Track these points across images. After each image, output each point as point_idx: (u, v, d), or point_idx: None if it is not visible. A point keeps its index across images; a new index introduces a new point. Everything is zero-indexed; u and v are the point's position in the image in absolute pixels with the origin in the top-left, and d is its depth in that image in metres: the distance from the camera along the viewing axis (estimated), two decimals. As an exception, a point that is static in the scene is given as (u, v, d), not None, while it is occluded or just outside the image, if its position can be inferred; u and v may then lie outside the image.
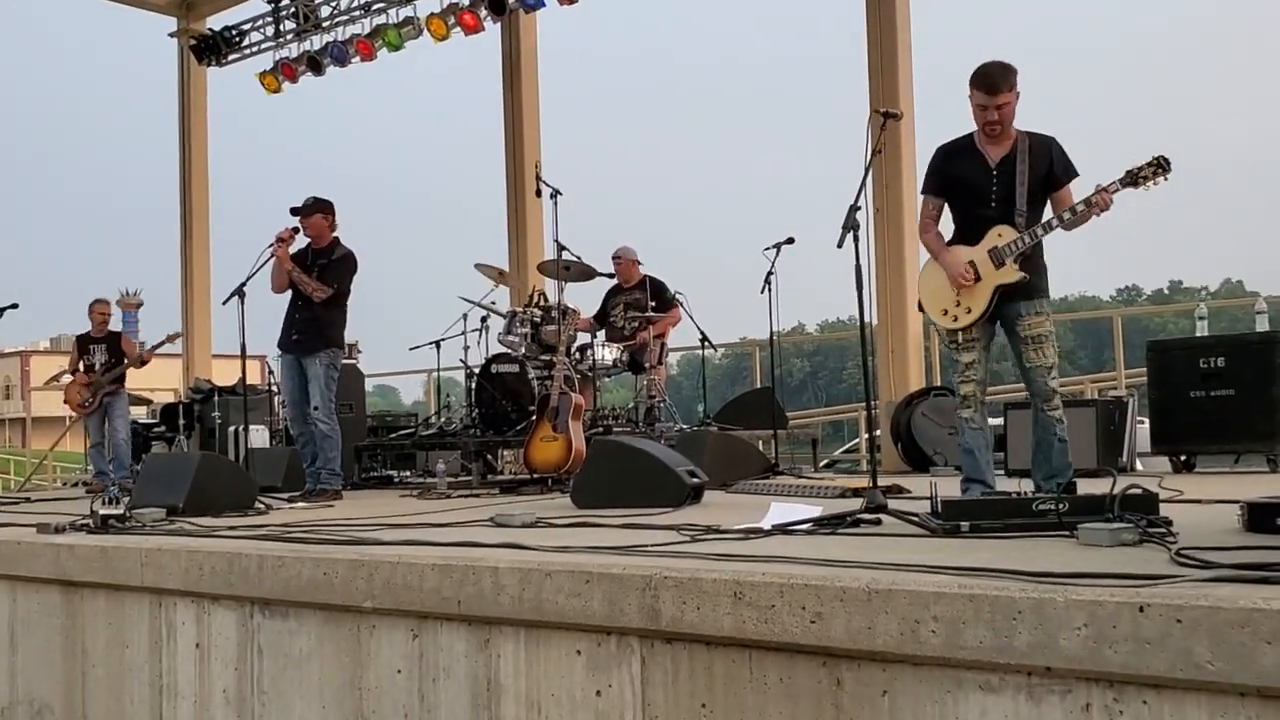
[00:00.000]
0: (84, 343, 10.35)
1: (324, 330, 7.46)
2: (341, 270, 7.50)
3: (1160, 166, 4.64)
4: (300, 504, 6.87)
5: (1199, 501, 4.79)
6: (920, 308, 5.21)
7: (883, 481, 4.70)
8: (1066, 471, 4.95)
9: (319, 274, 7.45)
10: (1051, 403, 4.89)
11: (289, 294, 7.60)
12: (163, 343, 10.71)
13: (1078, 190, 4.85)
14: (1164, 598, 2.46)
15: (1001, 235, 4.84)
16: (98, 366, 10.18)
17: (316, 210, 7.59)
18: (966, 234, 4.99)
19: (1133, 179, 4.67)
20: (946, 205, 5.09)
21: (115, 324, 11.01)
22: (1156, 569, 2.76)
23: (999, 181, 4.88)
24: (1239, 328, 9.95)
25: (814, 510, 4.40)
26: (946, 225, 5.13)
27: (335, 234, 7.64)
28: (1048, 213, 4.88)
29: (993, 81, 4.81)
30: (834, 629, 2.87)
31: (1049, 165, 4.87)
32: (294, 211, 7.59)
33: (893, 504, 4.37)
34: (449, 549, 3.95)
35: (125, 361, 10.24)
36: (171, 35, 14.48)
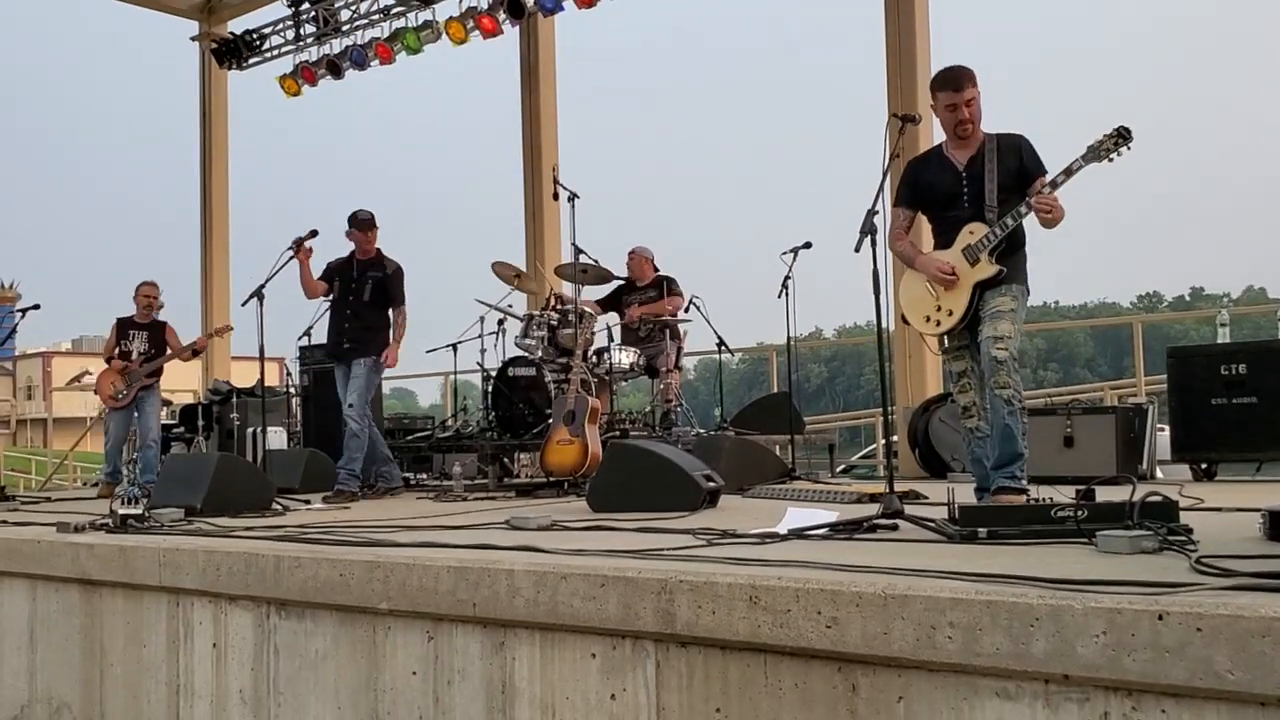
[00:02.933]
0: (124, 327, 9.39)
1: (374, 337, 7.80)
2: (401, 287, 7.90)
3: (1121, 136, 4.64)
4: (319, 505, 6.88)
5: (1220, 510, 4.75)
6: (904, 320, 5.20)
7: (900, 487, 4.68)
8: (1013, 463, 4.74)
9: (373, 287, 7.80)
10: (998, 378, 4.72)
11: (330, 303, 7.89)
12: (213, 334, 10.26)
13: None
14: (1184, 606, 2.44)
15: (973, 232, 4.86)
16: (135, 355, 9.27)
17: (372, 225, 7.90)
18: (942, 240, 5.03)
19: (1095, 153, 4.67)
20: (923, 218, 5.13)
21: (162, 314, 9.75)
22: (1176, 577, 2.74)
23: (969, 182, 4.92)
24: (1261, 335, 9.88)
25: (830, 515, 4.39)
26: (926, 242, 5.18)
27: (378, 245, 7.95)
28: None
29: (957, 79, 4.89)
30: (850, 634, 2.86)
31: (1019, 160, 4.89)
32: (352, 222, 7.86)
33: (909, 510, 4.34)
34: (465, 551, 3.96)
35: (168, 352, 9.41)
36: (193, 39, 14.56)
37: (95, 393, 9.52)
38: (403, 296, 7.90)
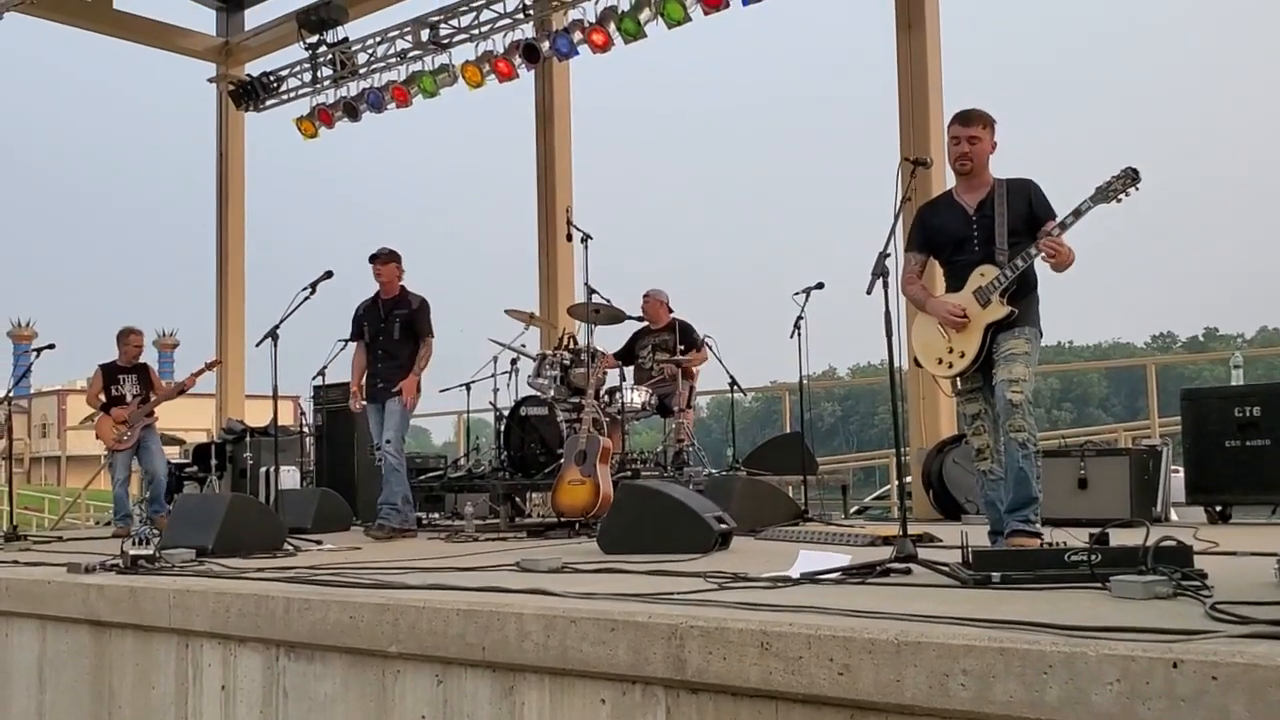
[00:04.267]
0: (112, 372, 9.55)
1: (405, 373, 7.86)
2: (428, 319, 8.02)
3: (1130, 177, 4.66)
4: (330, 546, 6.87)
5: (1235, 554, 4.72)
6: (916, 363, 5.20)
7: (913, 530, 4.65)
8: (1027, 506, 4.72)
9: (400, 325, 7.91)
10: (1013, 421, 4.71)
11: (366, 346, 8.05)
12: (202, 370, 10.44)
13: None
14: (1199, 654, 2.42)
15: (984, 274, 4.88)
16: (129, 398, 9.45)
17: (392, 259, 8.01)
18: (953, 283, 5.05)
19: (1104, 194, 4.68)
20: (934, 262, 5.16)
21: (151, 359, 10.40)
22: (1191, 624, 2.71)
23: (979, 226, 4.94)
24: (1276, 376, 9.84)
25: (843, 559, 4.36)
26: (938, 286, 5.21)
27: (402, 282, 8.06)
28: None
29: (967, 115, 4.96)
30: (862, 681, 2.83)
31: (1028, 206, 4.91)
32: (373, 259, 7.99)
33: (923, 553, 4.32)
34: (474, 594, 3.94)
35: (154, 395, 9.56)
36: (211, 80, 14.73)
37: (97, 438, 9.68)
38: (430, 328, 7.99)
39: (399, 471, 7.76)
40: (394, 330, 7.91)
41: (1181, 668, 2.41)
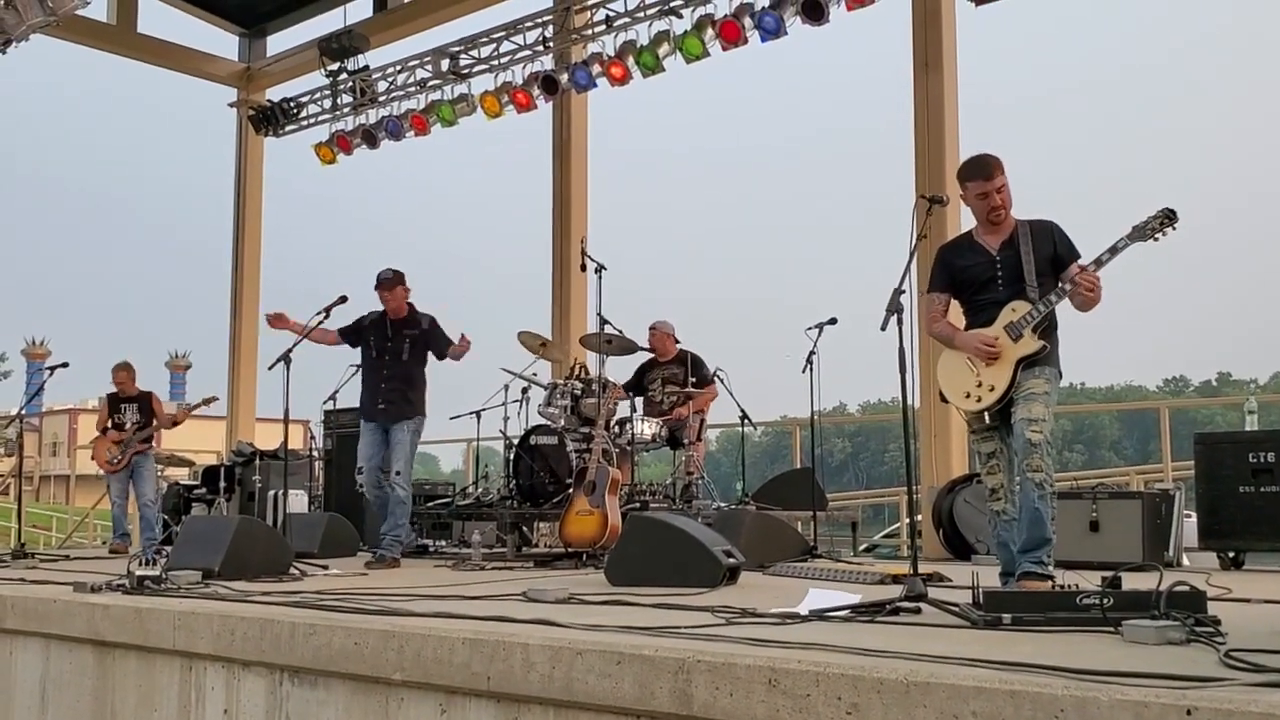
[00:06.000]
0: (114, 402, 10.17)
1: (410, 397, 7.78)
2: (443, 335, 7.90)
3: (1168, 218, 4.64)
4: (335, 571, 6.86)
5: (1248, 600, 4.67)
6: (943, 398, 5.17)
7: (923, 569, 4.63)
8: (1041, 548, 4.68)
9: (411, 345, 7.80)
10: (1031, 460, 4.68)
11: (363, 362, 7.93)
12: (198, 405, 10.73)
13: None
14: (1213, 701, 2.38)
15: (1016, 310, 4.86)
16: (128, 425, 10.02)
17: (398, 282, 7.89)
18: (976, 321, 5.03)
19: (1141, 233, 4.66)
20: (955, 303, 5.13)
21: (146, 384, 10.63)
22: (1205, 670, 2.68)
23: (1003, 267, 4.93)
24: (1290, 422, 9.77)
25: (852, 596, 4.33)
26: (958, 325, 5.18)
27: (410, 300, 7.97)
28: None
29: (987, 168, 4.92)
30: (870, 721, 2.80)
31: (1052, 247, 4.91)
32: (380, 284, 7.86)
33: (933, 593, 4.29)
34: (480, 623, 3.92)
35: (155, 422, 10.11)
36: (231, 105, 14.86)
37: (92, 459, 10.40)
38: (447, 341, 7.86)
39: (405, 504, 7.67)
40: (403, 350, 7.80)
41: (1195, 715, 2.37)
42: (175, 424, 10.37)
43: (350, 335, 8.03)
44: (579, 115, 12.60)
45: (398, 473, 7.66)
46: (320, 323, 7.71)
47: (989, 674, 2.72)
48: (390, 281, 7.86)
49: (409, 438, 7.71)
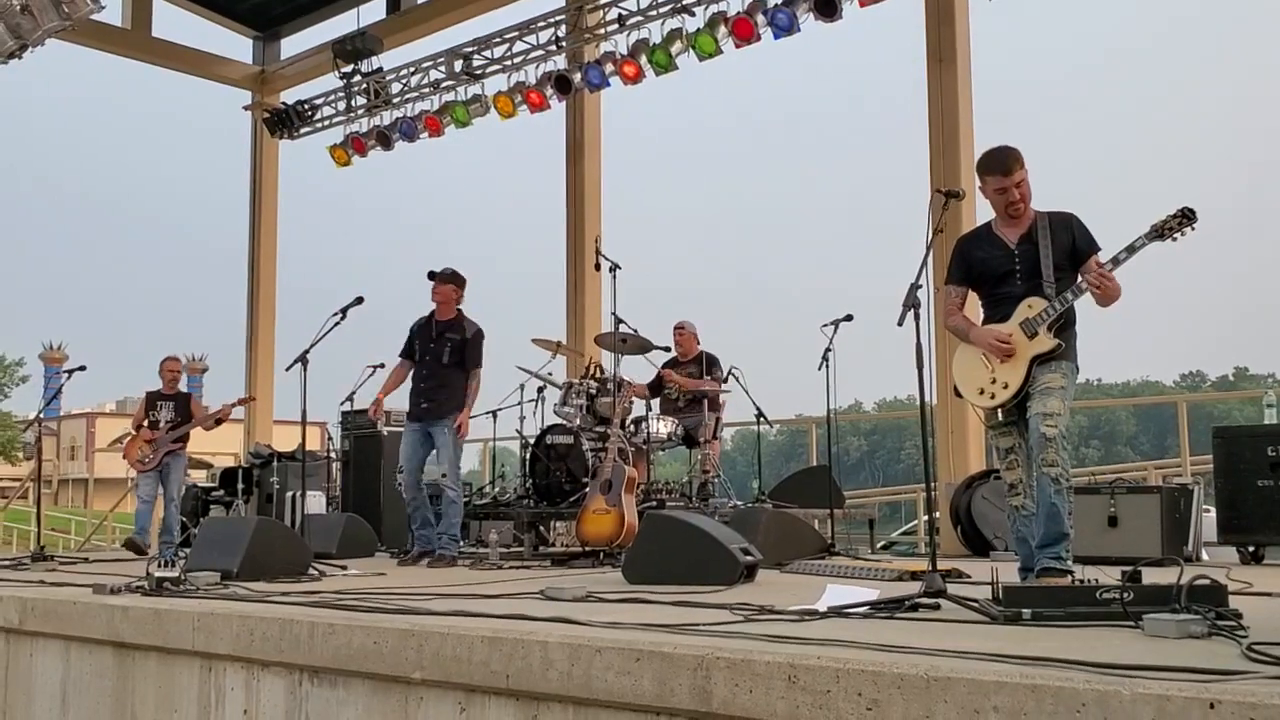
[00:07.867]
0: (153, 399, 10.05)
1: (453, 396, 7.83)
2: (479, 351, 7.95)
3: (1186, 217, 4.61)
4: (355, 571, 6.87)
5: (1270, 594, 4.64)
6: (957, 393, 5.16)
7: (942, 565, 4.60)
8: (1059, 543, 4.67)
9: (451, 350, 7.83)
10: (1046, 455, 4.66)
11: (416, 366, 7.99)
12: (235, 405, 10.64)
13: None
14: (1236, 694, 2.37)
15: (1032, 306, 4.84)
16: (163, 424, 9.88)
17: (451, 281, 7.96)
18: (994, 315, 5.00)
19: (1159, 232, 4.64)
20: (974, 294, 5.12)
21: (184, 385, 10.82)
22: (1228, 664, 2.67)
23: (1021, 260, 4.91)
24: (1309, 416, 9.70)
25: (871, 593, 4.32)
26: (976, 319, 5.16)
27: (460, 306, 8.02)
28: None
29: (1006, 163, 4.89)
30: (891, 716, 2.79)
31: (1071, 240, 4.89)
32: (431, 276, 7.97)
33: (952, 589, 4.27)
34: (499, 621, 3.92)
35: (191, 421, 9.98)
36: (246, 108, 14.91)
37: (124, 458, 10.28)
38: (478, 360, 7.91)
39: (456, 504, 7.81)
40: (443, 353, 7.84)
41: (1219, 708, 2.36)
42: (219, 422, 10.20)
43: (408, 352, 8.10)
44: (592, 114, 12.61)
45: (444, 475, 7.80)
46: (337, 323, 7.69)
47: (1010, 669, 2.70)
48: (441, 276, 7.95)
49: (451, 440, 7.77)
